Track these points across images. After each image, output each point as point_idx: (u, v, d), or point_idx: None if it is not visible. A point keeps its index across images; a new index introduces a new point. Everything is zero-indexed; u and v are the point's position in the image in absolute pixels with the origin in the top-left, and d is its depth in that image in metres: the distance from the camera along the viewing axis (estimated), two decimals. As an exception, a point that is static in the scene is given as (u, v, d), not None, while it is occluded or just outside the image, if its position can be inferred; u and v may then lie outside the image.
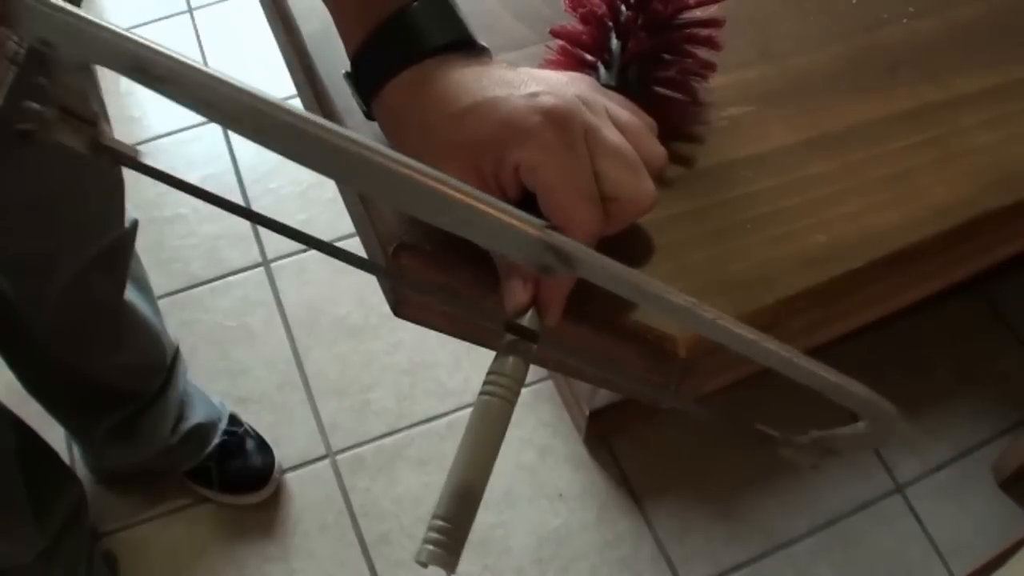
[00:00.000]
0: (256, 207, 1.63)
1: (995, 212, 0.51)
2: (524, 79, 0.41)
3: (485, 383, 0.37)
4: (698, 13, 0.51)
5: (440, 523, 0.33)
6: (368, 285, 1.48)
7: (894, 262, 0.48)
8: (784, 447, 0.42)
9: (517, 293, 0.39)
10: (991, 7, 0.60)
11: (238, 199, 1.64)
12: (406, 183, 0.34)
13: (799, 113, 0.54)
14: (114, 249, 1.02)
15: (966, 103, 0.55)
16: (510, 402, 0.36)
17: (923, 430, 1.47)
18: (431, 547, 0.32)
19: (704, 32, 0.51)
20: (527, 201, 0.41)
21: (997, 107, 0.55)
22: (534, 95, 0.40)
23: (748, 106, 0.53)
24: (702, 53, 0.51)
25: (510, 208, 0.35)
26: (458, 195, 0.35)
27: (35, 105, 0.32)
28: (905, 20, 0.59)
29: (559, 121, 0.39)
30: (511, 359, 0.37)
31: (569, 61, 0.51)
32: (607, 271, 0.36)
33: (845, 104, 0.54)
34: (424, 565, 0.32)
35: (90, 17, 0.32)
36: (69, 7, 0.31)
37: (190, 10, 1.91)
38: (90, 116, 0.33)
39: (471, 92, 0.41)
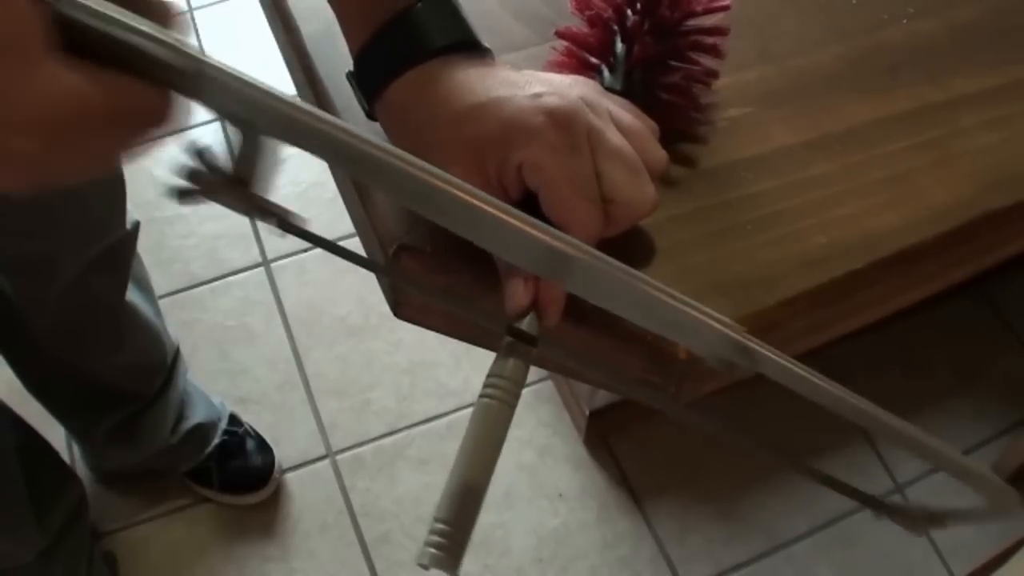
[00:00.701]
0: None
1: (995, 213, 0.51)
2: (528, 80, 0.42)
3: (485, 385, 0.37)
4: (704, 20, 0.51)
5: (441, 526, 0.33)
6: (368, 285, 1.48)
7: (894, 263, 0.48)
8: (888, 514, 0.42)
9: (518, 294, 0.39)
10: (991, 7, 0.60)
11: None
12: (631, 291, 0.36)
13: (799, 114, 0.54)
14: (115, 250, 1.02)
15: (966, 104, 0.55)
16: (510, 404, 0.36)
17: (923, 430, 1.46)
18: (433, 550, 0.32)
19: (709, 40, 0.51)
20: (529, 201, 0.41)
21: (997, 108, 0.55)
22: (538, 96, 0.40)
23: (748, 107, 0.53)
24: (706, 60, 0.52)
25: (706, 309, 0.36)
26: (665, 298, 0.36)
27: (204, 170, 0.32)
28: (905, 21, 0.59)
29: (563, 122, 0.39)
30: (511, 361, 0.37)
31: (574, 63, 0.51)
32: (788, 372, 0.36)
33: (845, 105, 0.54)
34: (426, 568, 0.32)
35: (304, 106, 0.31)
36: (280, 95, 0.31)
37: (190, 10, 1.91)
38: (251, 178, 0.33)
39: (476, 92, 0.41)
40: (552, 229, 0.36)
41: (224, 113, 0.31)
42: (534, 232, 0.35)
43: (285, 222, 0.35)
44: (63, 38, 0.28)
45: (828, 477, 0.41)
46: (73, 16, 0.29)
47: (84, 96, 0.28)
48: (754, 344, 0.36)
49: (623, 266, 0.36)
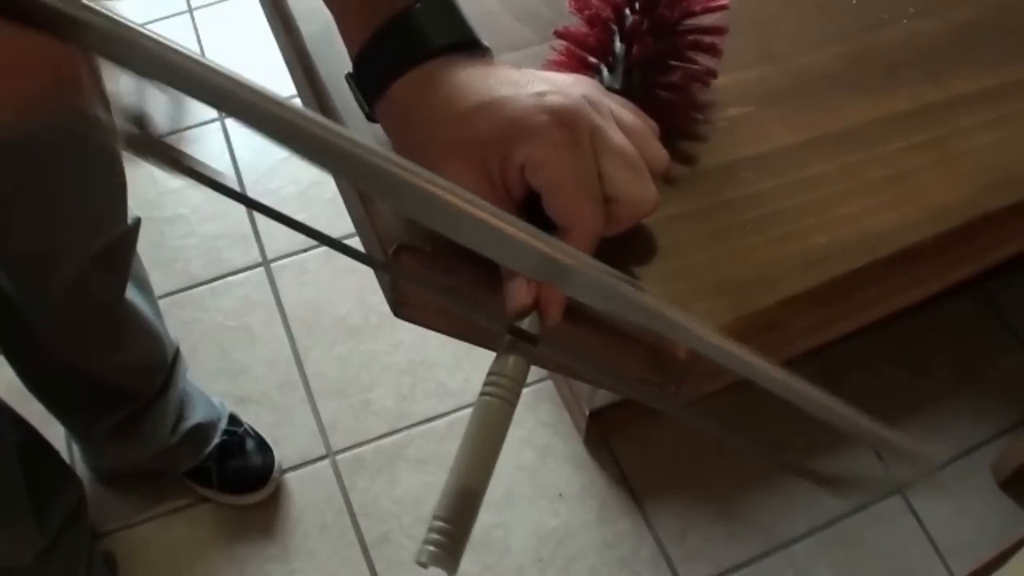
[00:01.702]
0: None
1: (995, 213, 0.51)
2: (530, 79, 0.42)
3: (485, 384, 0.37)
4: (702, 19, 0.51)
5: (440, 524, 0.33)
6: (368, 285, 1.48)
7: (894, 263, 0.48)
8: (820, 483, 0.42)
9: (520, 294, 0.39)
10: (991, 7, 0.60)
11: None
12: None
13: (799, 114, 0.54)
14: (116, 247, 1.02)
15: (966, 103, 0.55)
16: (510, 403, 0.36)
17: (923, 430, 1.47)
18: (432, 548, 0.32)
19: (708, 39, 0.51)
20: (531, 200, 0.41)
21: (997, 107, 0.55)
22: (541, 94, 0.40)
23: (748, 107, 0.53)
24: (705, 60, 0.52)
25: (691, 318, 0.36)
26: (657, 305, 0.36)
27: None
28: (905, 20, 0.59)
29: (566, 120, 0.39)
30: (511, 360, 0.37)
31: (573, 62, 0.51)
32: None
33: (845, 105, 0.54)
34: (424, 566, 0.32)
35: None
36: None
37: (190, 10, 1.91)
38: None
39: (478, 91, 0.41)
40: (550, 238, 0.36)
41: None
42: (532, 242, 0.35)
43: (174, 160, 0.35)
44: None
45: (826, 475, 0.41)
46: None
47: None
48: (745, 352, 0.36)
49: (619, 274, 0.36)
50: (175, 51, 0.31)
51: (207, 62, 0.32)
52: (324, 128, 0.33)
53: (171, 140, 0.33)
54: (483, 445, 0.35)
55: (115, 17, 0.30)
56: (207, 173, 0.34)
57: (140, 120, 0.33)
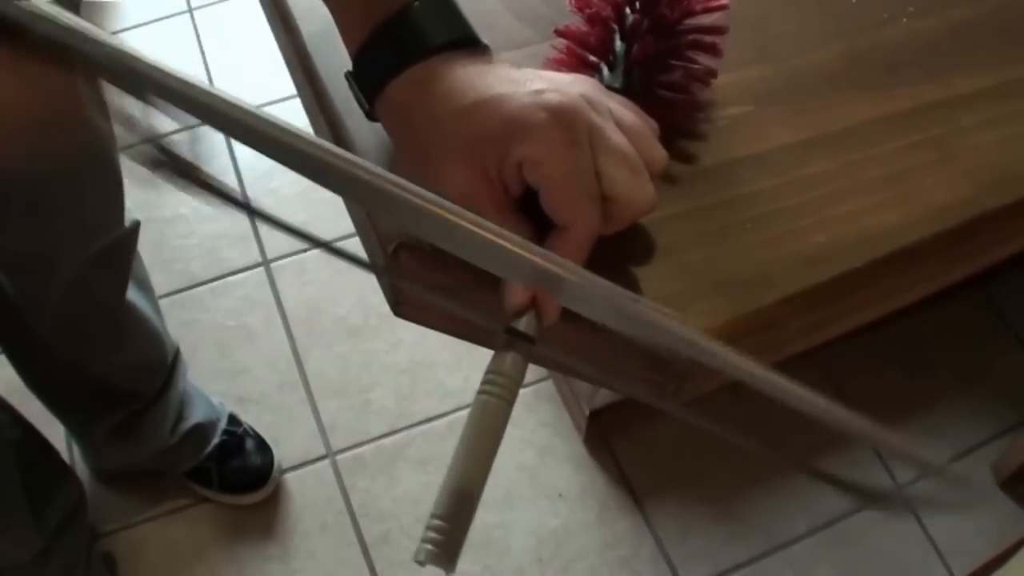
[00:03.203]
0: (255, 207, 1.63)
1: (995, 212, 0.51)
2: (529, 77, 0.42)
3: (483, 382, 0.37)
4: (703, 19, 0.51)
5: (438, 523, 0.33)
6: (368, 285, 1.48)
7: (894, 262, 0.48)
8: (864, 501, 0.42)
9: (517, 294, 0.39)
10: (991, 7, 0.60)
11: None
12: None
13: (799, 113, 0.54)
14: (114, 249, 1.02)
15: (966, 103, 0.55)
16: (508, 401, 0.36)
17: (923, 430, 1.47)
18: (429, 546, 0.32)
19: (709, 39, 0.51)
20: (529, 198, 0.41)
21: (997, 107, 0.55)
22: (539, 92, 0.40)
23: (747, 106, 0.53)
24: (705, 59, 0.52)
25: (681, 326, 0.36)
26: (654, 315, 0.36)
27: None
28: (905, 20, 0.59)
29: (564, 119, 0.40)
30: (509, 358, 0.37)
31: (574, 61, 0.51)
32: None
33: (845, 104, 0.54)
34: (422, 564, 0.32)
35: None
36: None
37: (190, 10, 1.91)
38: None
39: (476, 88, 0.41)
40: (545, 251, 0.36)
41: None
42: (527, 255, 0.36)
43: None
44: None
45: (835, 477, 0.41)
46: None
47: None
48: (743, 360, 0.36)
49: (616, 287, 0.36)
50: (173, 77, 0.32)
51: (196, 82, 0.32)
52: (318, 147, 0.34)
53: (186, 151, 0.34)
54: (481, 444, 0.35)
55: (113, 45, 0.31)
56: (220, 187, 0.35)
57: (152, 136, 0.33)
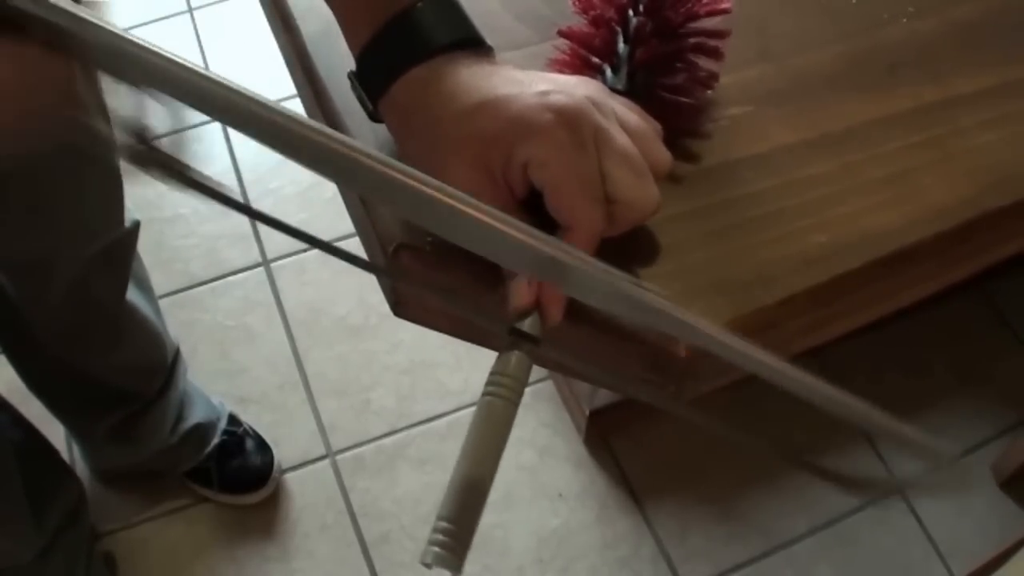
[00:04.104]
0: (256, 207, 1.63)
1: (995, 212, 0.51)
2: (534, 78, 0.42)
3: (488, 383, 0.37)
4: (706, 23, 0.51)
5: (445, 524, 0.33)
6: (368, 285, 1.48)
7: (894, 262, 0.48)
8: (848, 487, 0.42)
9: (522, 294, 0.39)
10: (991, 7, 0.60)
11: (237, 199, 1.64)
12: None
13: (799, 113, 0.54)
14: (115, 249, 1.02)
15: (966, 103, 0.55)
16: (513, 403, 0.36)
17: (923, 430, 1.46)
18: (436, 548, 0.32)
19: (712, 42, 0.51)
20: (533, 199, 0.41)
21: (997, 107, 0.55)
22: (545, 94, 0.40)
23: (748, 106, 0.53)
24: (706, 63, 0.52)
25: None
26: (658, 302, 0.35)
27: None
28: (905, 20, 0.59)
29: (570, 120, 0.40)
30: (513, 360, 0.37)
31: (577, 62, 0.51)
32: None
33: (845, 104, 0.54)
34: (428, 567, 0.32)
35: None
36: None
37: (190, 10, 1.91)
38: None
39: (481, 89, 0.41)
40: (550, 238, 0.36)
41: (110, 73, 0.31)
42: (532, 242, 0.35)
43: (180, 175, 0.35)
44: None
45: (834, 473, 0.41)
46: None
47: None
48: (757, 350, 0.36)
49: (620, 272, 0.36)
50: (172, 61, 0.32)
51: (201, 70, 0.32)
52: (320, 133, 0.33)
53: (173, 149, 0.34)
54: (486, 445, 0.35)
55: (112, 29, 0.31)
56: (210, 185, 0.34)
57: (141, 132, 0.33)
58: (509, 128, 0.40)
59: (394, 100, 0.43)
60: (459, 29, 0.43)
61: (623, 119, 0.43)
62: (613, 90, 0.47)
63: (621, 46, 0.51)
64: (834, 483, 0.41)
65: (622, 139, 0.41)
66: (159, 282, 1.35)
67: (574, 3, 0.52)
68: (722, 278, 0.46)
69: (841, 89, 0.55)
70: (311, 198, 1.64)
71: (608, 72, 0.51)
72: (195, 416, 1.30)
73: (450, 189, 0.34)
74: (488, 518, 1.36)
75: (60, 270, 0.95)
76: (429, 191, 0.34)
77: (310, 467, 1.41)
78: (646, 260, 0.46)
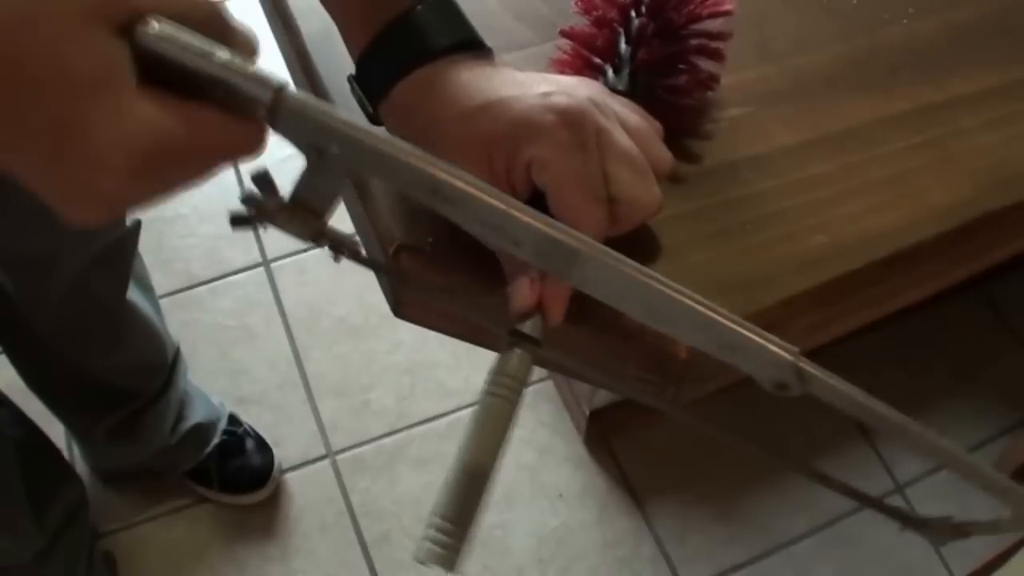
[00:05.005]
0: (256, 207, 1.63)
1: (995, 213, 0.51)
2: (536, 80, 0.42)
3: (487, 384, 0.37)
4: (707, 24, 0.51)
5: (439, 521, 0.33)
6: (368, 285, 1.48)
7: (894, 263, 0.48)
8: (915, 527, 0.42)
9: (524, 294, 0.39)
10: (991, 7, 0.60)
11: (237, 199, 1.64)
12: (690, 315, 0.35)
13: (799, 114, 0.54)
14: (115, 248, 1.02)
15: (966, 104, 0.55)
16: (513, 403, 0.36)
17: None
18: (431, 545, 0.32)
19: (714, 44, 0.51)
20: (535, 199, 0.41)
21: (997, 108, 0.55)
22: (547, 95, 0.40)
23: (749, 107, 0.53)
24: (707, 64, 0.52)
25: (763, 332, 0.36)
26: (716, 316, 0.35)
27: (257, 193, 0.32)
28: (905, 21, 0.59)
29: (572, 121, 0.40)
30: (514, 360, 0.37)
31: (579, 63, 0.51)
32: (844, 394, 0.36)
33: (845, 105, 0.54)
34: (423, 563, 0.32)
35: (380, 135, 0.31)
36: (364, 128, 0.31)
37: (190, 10, 1.91)
38: (320, 209, 0.34)
39: (483, 91, 0.41)
40: (557, 223, 0.35)
41: (300, 142, 0.31)
42: (543, 227, 0.34)
43: (348, 249, 0.35)
44: (140, 68, 0.28)
45: (841, 484, 0.41)
46: (154, 48, 0.28)
47: (167, 131, 0.28)
48: (806, 366, 0.36)
49: (631, 262, 0.36)
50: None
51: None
52: (400, 149, 0.33)
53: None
54: (486, 444, 0.35)
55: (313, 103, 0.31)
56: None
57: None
58: (511, 129, 0.40)
59: (395, 103, 0.43)
60: (459, 31, 0.43)
61: (624, 120, 0.43)
62: (614, 91, 0.47)
63: (623, 47, 0.51)
64: (836, 490, 0.41)
65: (624, 139, 0.41)
66: (159, 282, 1.35)
67: (576, 4, 0.52)
68: (723, 278, 0.46)
69: (841, 90, 0.55)
70: (311, 198, 1.64)
71: (610, 73, 0.51)
72: (195, 416, 1.30)
73: (460, 171, 0.33)
74: (488, 518, 1.36)
75: (61, 269, 0.95)
76: (435, 171, 0.33)
77: (310, 467, 1.41)
78: (647, 260, 0.46)
